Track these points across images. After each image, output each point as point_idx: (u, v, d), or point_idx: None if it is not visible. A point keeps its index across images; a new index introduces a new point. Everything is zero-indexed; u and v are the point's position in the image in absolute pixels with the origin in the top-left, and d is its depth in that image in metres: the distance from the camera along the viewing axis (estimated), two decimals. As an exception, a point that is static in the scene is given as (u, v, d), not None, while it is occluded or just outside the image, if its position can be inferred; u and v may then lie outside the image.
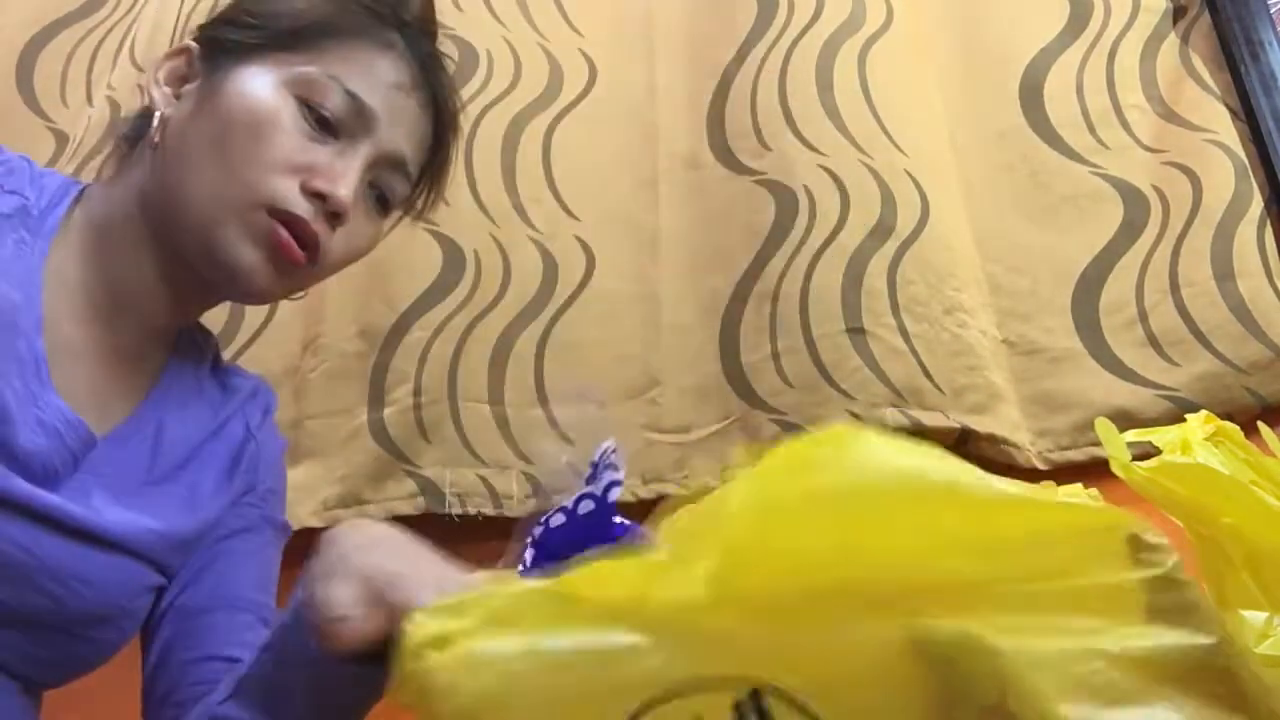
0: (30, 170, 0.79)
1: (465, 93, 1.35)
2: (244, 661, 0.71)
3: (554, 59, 1.41)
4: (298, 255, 0.75)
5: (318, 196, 0.75)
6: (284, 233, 0.74)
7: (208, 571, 0.80)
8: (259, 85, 0.77)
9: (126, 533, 0.74)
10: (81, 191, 0.81)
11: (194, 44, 0.81)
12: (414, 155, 0.83)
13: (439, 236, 1.30)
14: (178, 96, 0.80)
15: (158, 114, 0.79)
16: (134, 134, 0.82)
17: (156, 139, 0.78)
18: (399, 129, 0.80)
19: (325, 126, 0.77)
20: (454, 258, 1.30)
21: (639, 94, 1.39)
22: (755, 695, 0.40)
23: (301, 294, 0.85)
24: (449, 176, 0.90)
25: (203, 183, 0.75)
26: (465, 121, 1.34)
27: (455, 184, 1.32)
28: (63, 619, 0.70)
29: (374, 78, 0.79)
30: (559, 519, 0.66)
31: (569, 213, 1.34)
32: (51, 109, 1.50)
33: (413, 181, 0.85)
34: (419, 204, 0.89)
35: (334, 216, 0.77)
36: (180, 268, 0.77)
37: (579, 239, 1.32)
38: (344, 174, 0.76)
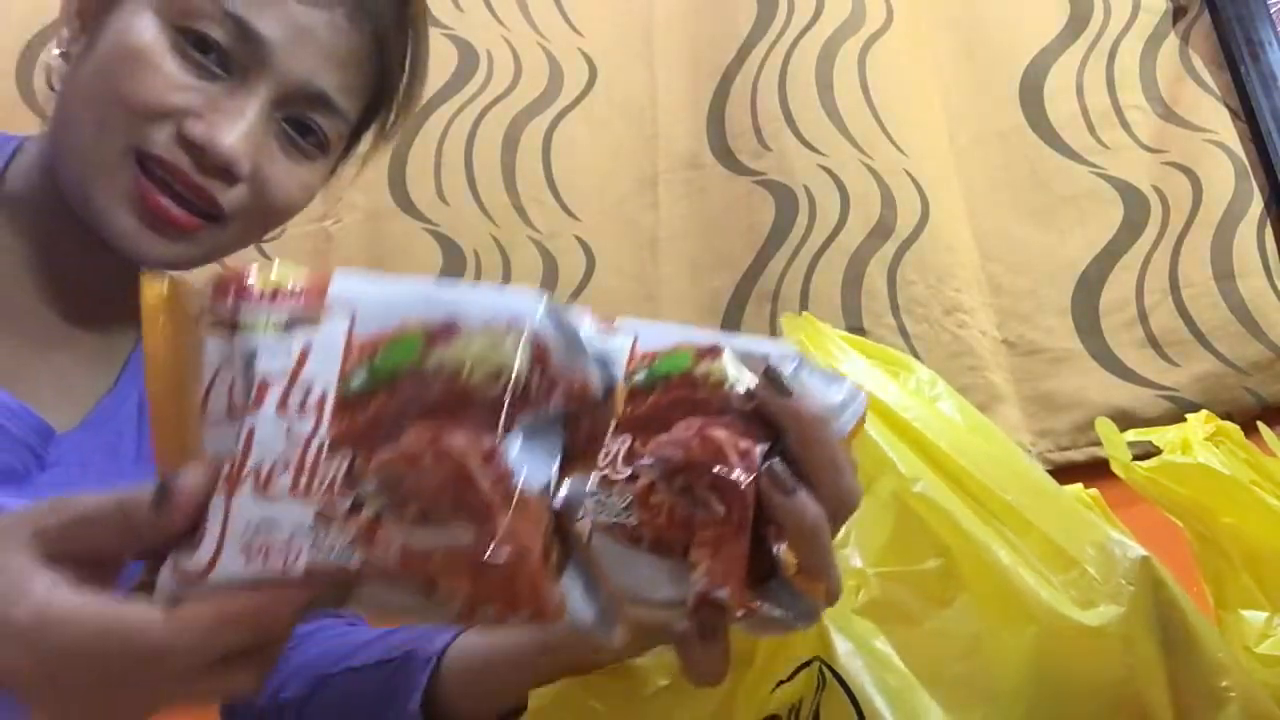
0: None
1: (465, 93, 1.36)
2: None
3: (554, 59, 1.41)
4: (176, 217, 0.62)
5: (196, 146, 0.62)
6: (154, 193, 0.62)
7: None
8: (136, 18, 0.63)
9: None
10: (17, 149, 0.71)
11: None
12: (340, 82, 0.67)
13: (439, 236, 1.30)
14: (82, 33, 0.67)
15: (56, 54, 0.67)
16: None
17: (56, 87, 0.66)
18: (308, 54, 0.65)
19: (213, 61, 0.63)
20: (454, 257, 1.29)
21: (639, 94, 1.39)
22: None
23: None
24: (416, 94, 0.74)
25: (76, 136, 0.64)
26: (465, 122, 1.36)
27: (455, 184, 1.33)
28: None
29: None
30: None
31: (569, 212, 1.33)
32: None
33: (347, 113, 0.69)
34: (385, 129, 0.74)
35: (223, 170, 0.63)
36: (89, 233, 0.66)
37: (579, 239, 1.32)
38: (229, 118, 0.63)
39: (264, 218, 0.68)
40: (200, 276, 0.41)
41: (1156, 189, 1.21)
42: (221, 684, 0.38)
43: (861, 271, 1.19)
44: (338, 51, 0.67)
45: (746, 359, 0.44)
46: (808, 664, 0.54)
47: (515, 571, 0.35)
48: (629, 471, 0.40)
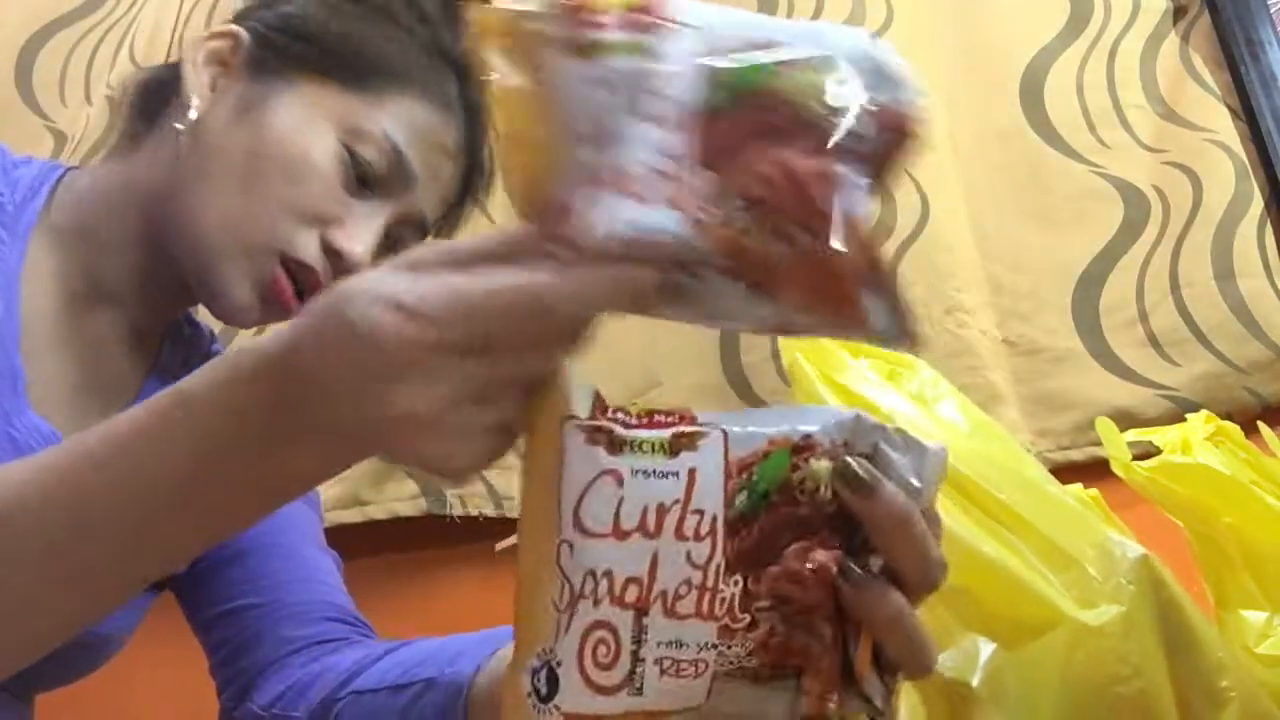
0: (2, 160, 0.71)
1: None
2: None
3: (554, 59, 1.41)
4: (289, 302, 0.69)
5: (335, 253, 0.69)
6: (284, 281, 0.68)
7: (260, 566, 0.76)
8: (309, 121, 0.69)
9: None
10: (60, 178, 0.73)
11: (243, 32, 0.72)
12: (438, 213, 0.77)
13: (439, 236, 1.30)
14: (213, 88, 0.71)
15: (192, 101, 0.70)
16: (150, 110, 0.74)
17: (183, 132, 0.70)
18: (433, 193, 0.74)
19: (364, 180, 0.70)
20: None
21: (639, 94, 1.39)
22: None
23: None
24: (460, 228, 0.82)
25: (221, 206, 0.68)
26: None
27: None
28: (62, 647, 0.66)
29: (426, 140, 0.72)
30: None
31: (569, 212, 1.33)
32: (50, 108, 1.50)
33: (425, 236, 0.78)
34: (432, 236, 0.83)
35: (344, 271, 0.69)
36: (167, 273, 0.71)
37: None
38: (366, 232, 0.70)
39: None
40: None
41: (1156, 189, 1.21)
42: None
43: (861, 271, 1.19)
44: (445, 191, 0.76)
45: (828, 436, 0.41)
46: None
47: (842, 276, 0.38)
48: (748, 620, 0.39)
